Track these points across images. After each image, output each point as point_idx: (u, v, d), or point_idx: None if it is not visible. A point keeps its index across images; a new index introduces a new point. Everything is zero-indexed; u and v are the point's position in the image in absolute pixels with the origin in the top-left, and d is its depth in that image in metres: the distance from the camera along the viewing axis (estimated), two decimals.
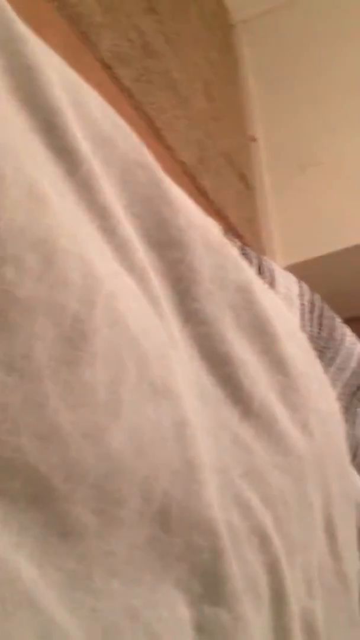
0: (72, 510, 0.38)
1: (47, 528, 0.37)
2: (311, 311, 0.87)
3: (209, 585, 0.46)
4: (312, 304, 0.88)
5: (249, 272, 0.59)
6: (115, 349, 0.42)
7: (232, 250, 0.58)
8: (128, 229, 0.49)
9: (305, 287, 0.89)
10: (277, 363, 0.60)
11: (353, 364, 1.00)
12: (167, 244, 0.52)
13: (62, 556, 0.37)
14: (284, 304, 0.72)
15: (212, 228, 0.56)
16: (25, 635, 0.32)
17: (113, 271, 0.45)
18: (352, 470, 0.76)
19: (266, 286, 0.66)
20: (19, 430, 0.35)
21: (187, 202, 0.55)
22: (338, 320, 0.98)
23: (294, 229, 2.61)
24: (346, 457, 0.69)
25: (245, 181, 2.57)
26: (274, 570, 0.54)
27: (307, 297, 0.88)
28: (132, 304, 0.45)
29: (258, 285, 0.60)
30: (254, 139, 2.79)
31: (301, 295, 0.86)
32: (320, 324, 0.89)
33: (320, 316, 0.89)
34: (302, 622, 0.59)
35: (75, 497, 0.38)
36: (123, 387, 0.42)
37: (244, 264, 0.59)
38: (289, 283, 0.84)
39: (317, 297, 0.91)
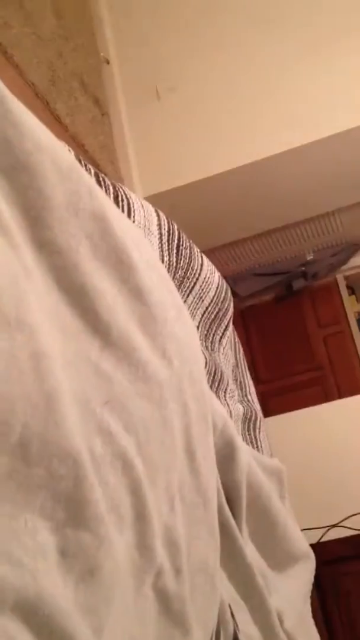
0: None
1: None
2: (170, 241, 0.87)
3: (71, 511, 0.47)
4: (170, 233, 0.88)
5: (104, 199, 0.58)
6: None
7: (85, 175, 0.56)
8: None
9: (163, 216, 0.89)
10: (135, 292, 0.60)
11: (211, 292, 1.02)
12: (13, 168, 0.50)
13: None
14: (141, 233, 0.72)
15: (63, 152, 0.54)
16: None
17: None
18: (210, 392, 0.79)
19: (123, 214, 0.65)
20: None
21: (34, 124, 0.52)
22: (196, 250, 1.00)
23: (152, 158, 2.59)
24: (204, 381, 0.72)
25: (100, 106, 2.50)
26: (136, 492, 0.56)
27: (165, 226, 0.88)
28: None
29: (114, 213, 0.59)
30: (107, 61, 2.70)
31: (159, 225, 0.86)
32: (178, 254, 0.90)
33: (179, 246, 0.90)
34: (164, 538, 0.62)
35: None
36: None
37: (98, 190, 0.58)
38: (147, 212, 0.83)
39: (175, 226, 0.92)
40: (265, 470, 1.05)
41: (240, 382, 1.26)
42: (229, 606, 0.84)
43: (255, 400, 1.32)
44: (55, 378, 0.46)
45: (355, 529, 1.95)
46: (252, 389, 1.34)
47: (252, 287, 3.37)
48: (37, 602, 0.41)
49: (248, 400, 1.29)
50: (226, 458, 0.87)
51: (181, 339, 0.65)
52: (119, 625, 0.52)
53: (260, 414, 1.31)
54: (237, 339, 1.32)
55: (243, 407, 1.21)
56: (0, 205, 0.47)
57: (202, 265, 1.00)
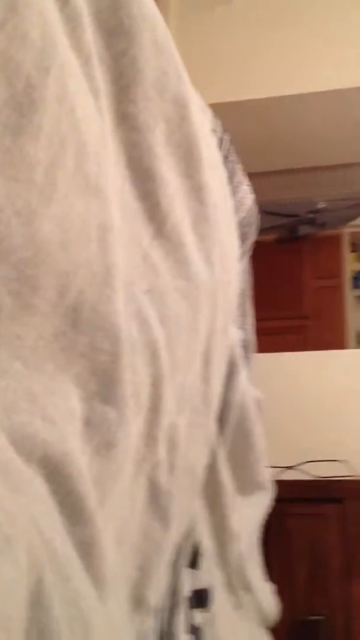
0: None
1: None
2: (221, 149, 0.85)
3: (103, 385, 0.48)
4: (223, 141, 0.86)
5: (189, 87, 0.56)
6: (59, 128, 0.38)
7: (176, 55, 0.54)
8: (80, 2, 0.44)
9: (219, 124, 0.86)
10: (196, 190, 0.59)
11: (242, 213, 1.01)
12: (115, 32, 0.48)
13: None
14: (210, 132, 0.70)
15: (162, 24, 0.52)
16: None
17: (63, 44, 0.40)
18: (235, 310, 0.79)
19: (200, 109, 0.63)
20: None
21: None
22: (239, 167, 0.98)
23: (200, 70, 2.49)
24: (235, 296, 0.72)
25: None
26: (157, 384, 0.57)
27: (219, 134, 0.86)
28: (79, 87, 0.41)
29: (194, 103, 0.57)
30: None
31: (215, 130, 0.84)
32: (226, 164, 0.88)
33: (227, 156, 0.88)
34: (168, 434, 0.63)
35: None
36: (60, 173, 0.39)
37: (185, 75, 0.56)
38: (207, 114, 0.81)
39: (227, 137, 0.89)
40: (252, 397, 1.07)
41: (243, 310, 1.27)
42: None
43: (252, 330, 1.34)
44: (116, 253, 0.46)
45: (308, 475, 2.02)
46: (251, 319, 1.35)
47: (260, 223, 3.32)
48: (62, 460, 0.42)
49: (245, 331, 1.30)
50: (228, 377, 0.88)
51: (226, 248, 0.64)
52: (116, 504, 0.54)
53: (253, 344, 1.32)
54: (248, 268, 1.32)
55: (242, 333, 1.22)
56: (95, 69, 0.45)
57: (240, 183, 0.98)
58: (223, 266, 0.63)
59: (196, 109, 0.58)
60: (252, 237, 1.11)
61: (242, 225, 1.05)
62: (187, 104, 0.55)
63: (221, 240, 0.63)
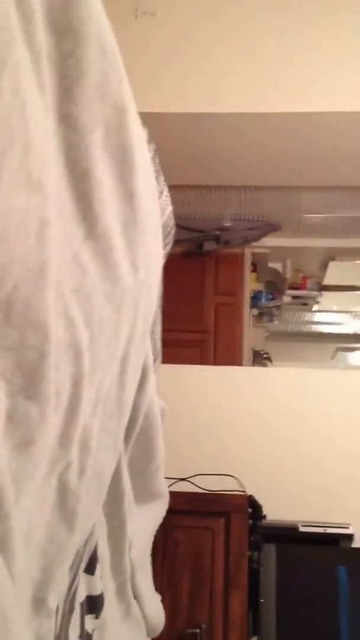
0: None
1: None
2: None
3: (28, 381, 0.47)
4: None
5: (129, 94, 0.57)
6: (10, 121, 0.38)
7: (121, 62, 0.55)
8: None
9: (146, 132, 0.87)
10: (128, 194, 0.59)
11: (164, 217, 1.02)
12: (64, 32, 0.48)
13: None
14: (145, 139, 0.70)
15: (109, 31, 0.52)
16: None
17: (20, 39, 0.40)
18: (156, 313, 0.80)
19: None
20: None
21: None
22: (161, 177, 0.99)
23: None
24: (155, 304, 0.73)
25: None
26: (77, 385, 0.57)
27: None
28: (30, 82, 0.41)
29: (133, 111, 0.58)
30: None
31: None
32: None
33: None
34: (81, 436, 0.63)
35: None
36: (6, 166, 0.39)
37: (127, 83, 0.56)
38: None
39: (152, 146, 0.91)
40: (158, 406, 1.08)
41: (155, 318, 1.28)
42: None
43: (160, 340, 1.35)
44: (51, 249, 0.46)
45: (199, 487, 2.06)
46: (159, 328, 1.36)
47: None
48: None
49: (154, 340, 1.31)
50: (138, 383, 0.88)
51: (151, 254, 0.65)
52: (27, 504, 0.53)
53: (159, 354, 1.33)
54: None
55: (151, 344, 1.23)
56: (43, 66, 0.45)
57: (161, 193, 1.00)
58: (147, 271, 0.64)
59: (134, 115, 0.59)
60: (169, 246, 1.12)
61: (163, 234, 1.07)
62: (126, 109, 0.56)
63: (147, 245, 0.64)
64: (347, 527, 1.97)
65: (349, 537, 1.96)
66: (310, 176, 3.23)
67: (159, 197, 0.96)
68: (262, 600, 1.72)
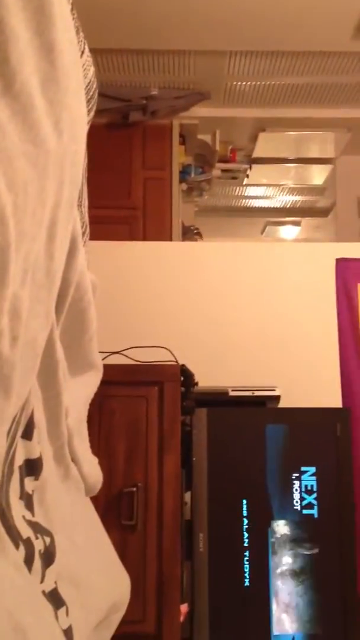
0: None
1: None
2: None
3: None
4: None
5: None
6: None
7: None
8: None
9: None
10: (46, 48, 0.56)
11: (86, 79, 0.97)
12: None
13: None
14: None
15: None
16: None
17: None
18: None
19: None
20: None
21: None
22: (81, 34, 0.93)
23: None
24: (82, 169, 0.71)
25: None
26: (3, 253, 0.55)
27: None
28: None
29: None
30: None
31: None
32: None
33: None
34: (11, 305, 0.63)
35: None
36: None
37: None
38: None
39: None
40: (89, 278, 1.08)
41: (81, 190, 1.24)
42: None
43: (86, 212, 1.32)
44: None
45: (133, 360, 2.11)
46: (86, 201, 1.33)
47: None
48: None
49: (81, 212, 1.28)
50: (67, 254, 0.87)
51: (75, 115, 0.62)
52: None
53: (88, 228, 1.31)
54: None
55: (79, 215, 1.20)
56: None
57: (82, 52, 0.94)
58: (72, 134, 0.62)
59: None
60: (93, 112, 1.07)
61: (86, 97, 1.01)
62: None
63: (70, 106, 0.61)
64: (273, 390, 2.08)
65: (276, 399, 2.08)
66: (240, 40, 3.11)
67: (80, 57, 0.91)
68: (194, 459, 1.83)
